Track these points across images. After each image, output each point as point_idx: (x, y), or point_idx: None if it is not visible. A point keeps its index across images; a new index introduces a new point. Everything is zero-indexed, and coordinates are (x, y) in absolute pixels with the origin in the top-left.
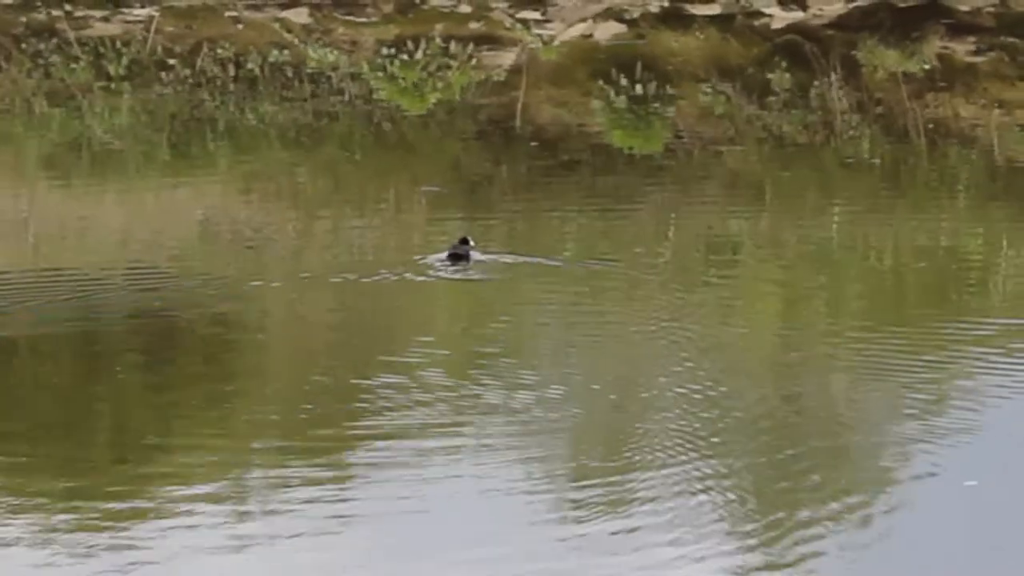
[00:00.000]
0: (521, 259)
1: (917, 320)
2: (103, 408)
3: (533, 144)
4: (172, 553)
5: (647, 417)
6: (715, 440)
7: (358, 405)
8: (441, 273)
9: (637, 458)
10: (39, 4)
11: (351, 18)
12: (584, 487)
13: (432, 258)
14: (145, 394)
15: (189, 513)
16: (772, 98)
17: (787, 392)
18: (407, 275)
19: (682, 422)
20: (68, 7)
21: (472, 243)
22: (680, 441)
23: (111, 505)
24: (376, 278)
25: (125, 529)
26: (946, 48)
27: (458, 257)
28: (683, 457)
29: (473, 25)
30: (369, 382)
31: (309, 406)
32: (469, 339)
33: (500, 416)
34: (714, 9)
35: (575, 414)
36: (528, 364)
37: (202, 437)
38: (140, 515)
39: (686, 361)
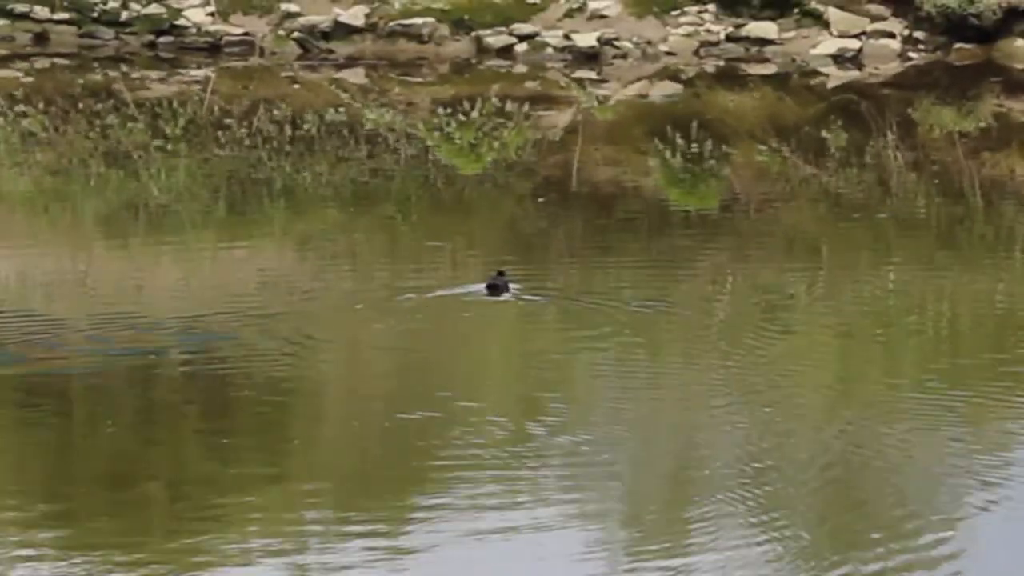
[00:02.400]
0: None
1: (973, 376)
2: (159, 458)
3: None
4: None
5: (700, 470)
6: (771, 488)
7: (414, 458)
8: (485, 308)
9: (691, 509)
10: (96, 65)
11: (407, 78)
12: (639, 535)
13: (471, 288)
14: (200, 445)
15: (245, 563)
16: (828, 157)
17: (843, 442)
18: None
19: (738, 469)
20: (125, 68)
21: (506, 276)
22: (736, 489)
23: (167, 553)
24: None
25: None
26: (1001, 106)
27: (496, 288)
28: (739, 505)
29: (529, 85)
30: (426, 433)
31: (366, 460)
32: (524, 383)
33: (555, 461)
34: (769, 68)
35: (631, 461)
36: (582, 409)
37: (260, 497)
38: (197, 567)
39: (741, 410)
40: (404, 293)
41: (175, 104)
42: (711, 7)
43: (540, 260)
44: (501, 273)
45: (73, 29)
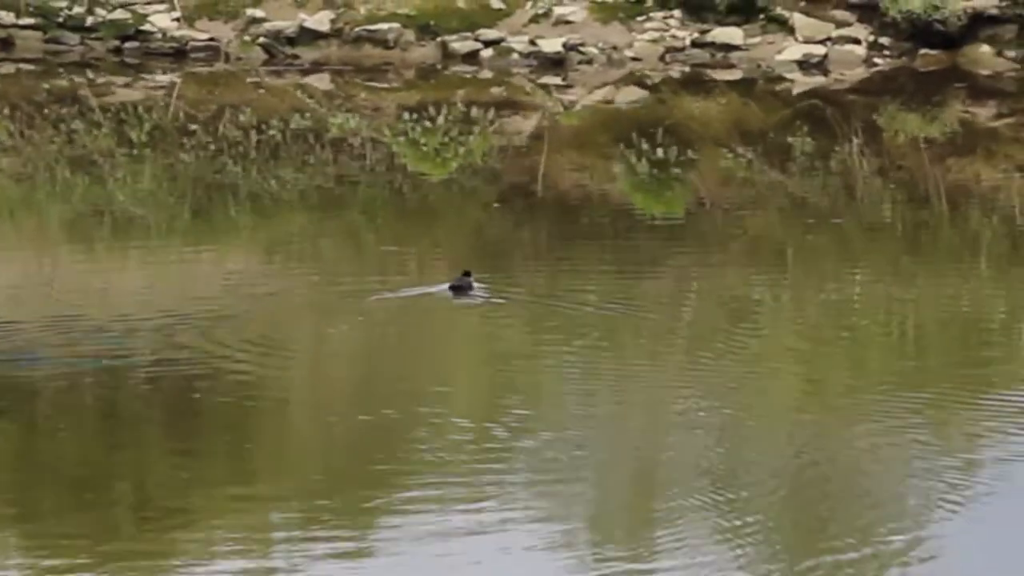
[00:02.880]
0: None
1: (938, 379)
2: (126, 470)
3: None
4: None
5: (667, 471)
6: (737, 490)
7: (380, 459)
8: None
9: (658, 510)
10: (61, 71)
11: (373, 84)
12: (605, 536)
13: (434, 289)
14: (167, 454)
15: (210, 563)
16: (793, 162)
17: (810, 444)
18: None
19: (704, 471)
20: (90, 74)
21: (472, 276)
22: (702, 491)
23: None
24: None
25: None
26: (967, 112)
27: (460, 289)
28: (706, 507)
29: (494, 90)
30: (391, 434)
31: (331, 462)
32: (489, 385)
33: (520, 462)
34: (735, 74)
35: (596, 463)
36: (547, 410)
37: (224, 500)
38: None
39: (707, 412)
40: (369, 295)
41: (140, 110)
42: (676, 13)
43: (506, 265)
44: (467, 274)
45: (38, 34)
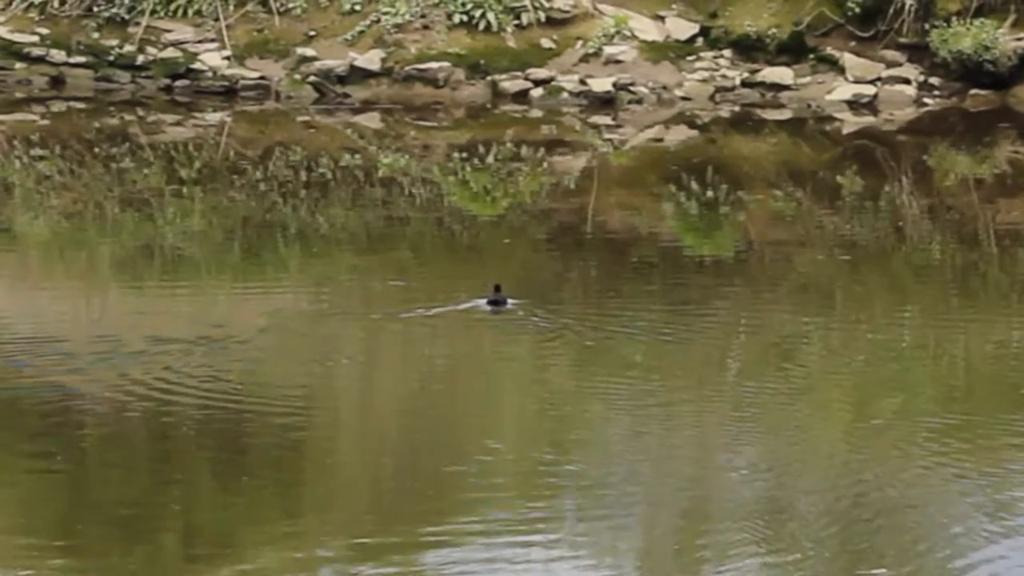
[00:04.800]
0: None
1: (984, 419)
2: (173, 505)
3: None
4: None
5: (715, 506)
6: (783, 524)
7: (427, 493)
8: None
9: (706, 545)
10: (112, 109)
11: (422, 123)
12: (652, 568)
13: (473, 304)
14: (214, 489)
15: None
16: (843, 202)
17: (854, 481)
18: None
19: (751, 505)
20: (141, 112)
21: (501, 290)
22: (749, 524)
23: None
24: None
25: None
26: (1017, 152)
27: (497, 303)
28: (752, 540)
29: (544, 129)
30: (438, 467)
31: (377, 496)
32: (537, 418)
33: (568, 495)
34: (785, 114)
35: (644, 496)
36: (596, 443)
37: (272, 535)
38: None
39: (755, 447)
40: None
41: (191, 148)
42: (727, 53)
43: (555, 300)
44: (498, 288)
45: (89, 73)
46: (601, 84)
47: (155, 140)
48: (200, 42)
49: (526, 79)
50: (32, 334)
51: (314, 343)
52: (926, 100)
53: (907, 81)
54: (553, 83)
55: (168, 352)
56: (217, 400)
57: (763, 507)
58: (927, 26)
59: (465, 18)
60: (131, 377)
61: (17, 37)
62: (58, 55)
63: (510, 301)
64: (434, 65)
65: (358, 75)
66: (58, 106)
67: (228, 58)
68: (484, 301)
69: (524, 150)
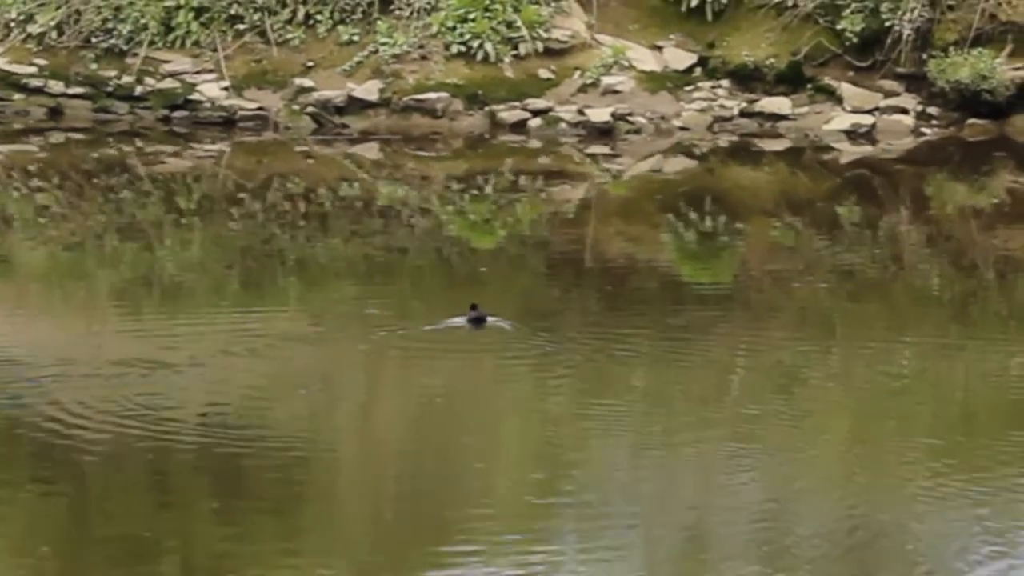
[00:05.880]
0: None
1: (985, 447)
2: (174, 532)
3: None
4: None
5: (716, 534)
6: (786, 551)
7: (427, 516)
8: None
9: (708, 568)
10: (110, 139)
11: (421, 153)
12: None
13: (453, 322)
14: (214, 514)
15: None
16: (841, 232)
17: (856, 510)
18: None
19: (753, 531)
20: (139, 142)
21: (479, 308)
22: (751, 550)
23: None
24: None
25: None
26: (1015, 182)
27: (479, 321)
28: (754, 566)
29: (542, 160)
30: (438, 490)
31: (378, 520)
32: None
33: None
34: (783, 144)
35: (645, 524)
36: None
37: (272, 555)
38: None
39: (755, 474)
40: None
41: (189, 179)
42: (725, 83)
43: (554, 327)
44: (474, 307)
45: (88, 103)
46: (599, 114)
47: (153, 171)
48: (198, 73)
49: (524, 109)
50: (30, 361)
51: (309, 368)
52: (924, 130)
53: (905, 111)
54: (551, 113)
55: (164, 378)
56: (214, 427)
57: (763, 531)
58: (925, 56)
59: (463, 48)
60: (128, 404)
61: (15, 68)
62: (56, 86)
63: (489, 318)
64: (432, 96)
65: (356, 106)
66: (56, 137)
67: (226, 89)
68: (464, 319)
69: (522, 180)
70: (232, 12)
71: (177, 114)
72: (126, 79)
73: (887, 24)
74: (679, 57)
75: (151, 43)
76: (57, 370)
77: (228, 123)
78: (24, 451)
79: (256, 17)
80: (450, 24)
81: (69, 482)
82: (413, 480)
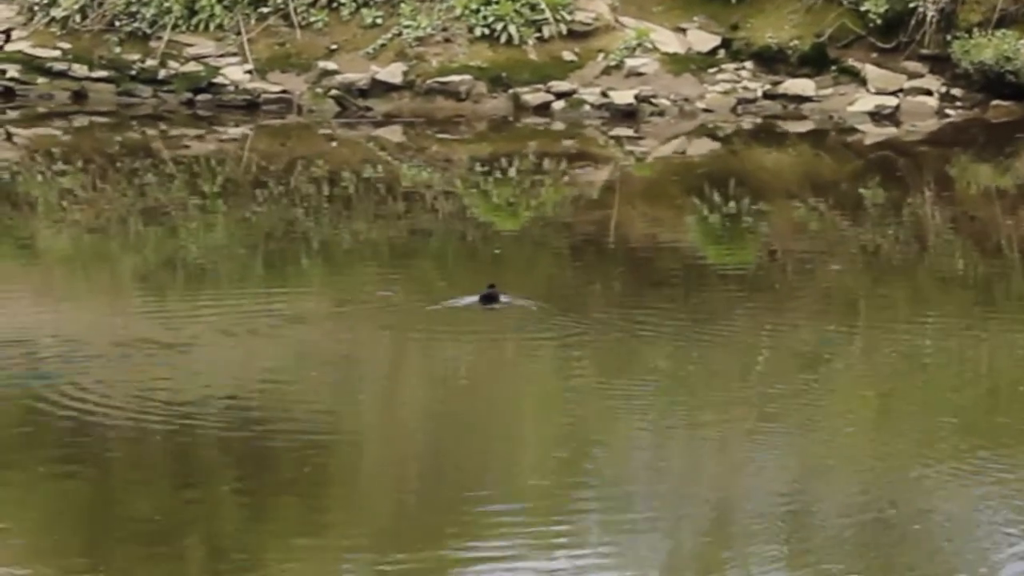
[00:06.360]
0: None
1: (1012, 432)
2: (197, 521)
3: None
4: None
5: (740, 518)
6: (808, 538)
7: (450, 507)
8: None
9: (731, 558)
10: (134, 123)
11: (445, 136)
12: None
13: (464, 302)
14: (238, 504)
15: None
16: (865, 214)
17: (880, 492)
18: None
19: (775, 518)
20: (163, 126)
21: (496, 287)
22: (773, 538)
23: None
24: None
25: None
26: None
27: (491, 299)
28: (776, 555)
29: (566, 142)
30: (461, 479)
31: (401, 512)
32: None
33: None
34: (807, 126)
35: (668, 512)
36: (620, 454)
37: (296, 550)
38: None
39: (778, 459)
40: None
41: (213, 162)
42: (748, 64)
43: (577, 310)
44: (492, 286)
45: (111, 87)
46: (623, 96)
47: (177, 154)
48: (222, 56)
49: (548, 92)
50: (53, 342)
51: (331, 349)
52: (948, 111)
53: (929, 92)
54: (575, 96)
55: (189, 362)
56: (238, 408)
57: (787, 510)
58: (949, 37)
59: (487, 31)
60: (153, 386)
61: (39, 52)
62: (80, 70)
63: (503, 298)
64: (456, 78)
65: (380, 88)
66: (80, 120)
67: (250, 72)
68: (477, 298)
69: (546, 163)
70: None
71: (201, 97)
72: (150, 62)
73: (911, 5)
74: (703, 39)
75: (175, 26)
76: (79, 352)
77: (252, 106)
78: (46, 432)
79: (280, 0)
80: (473, 6)
81: (89, 464)
82: (436, 458)
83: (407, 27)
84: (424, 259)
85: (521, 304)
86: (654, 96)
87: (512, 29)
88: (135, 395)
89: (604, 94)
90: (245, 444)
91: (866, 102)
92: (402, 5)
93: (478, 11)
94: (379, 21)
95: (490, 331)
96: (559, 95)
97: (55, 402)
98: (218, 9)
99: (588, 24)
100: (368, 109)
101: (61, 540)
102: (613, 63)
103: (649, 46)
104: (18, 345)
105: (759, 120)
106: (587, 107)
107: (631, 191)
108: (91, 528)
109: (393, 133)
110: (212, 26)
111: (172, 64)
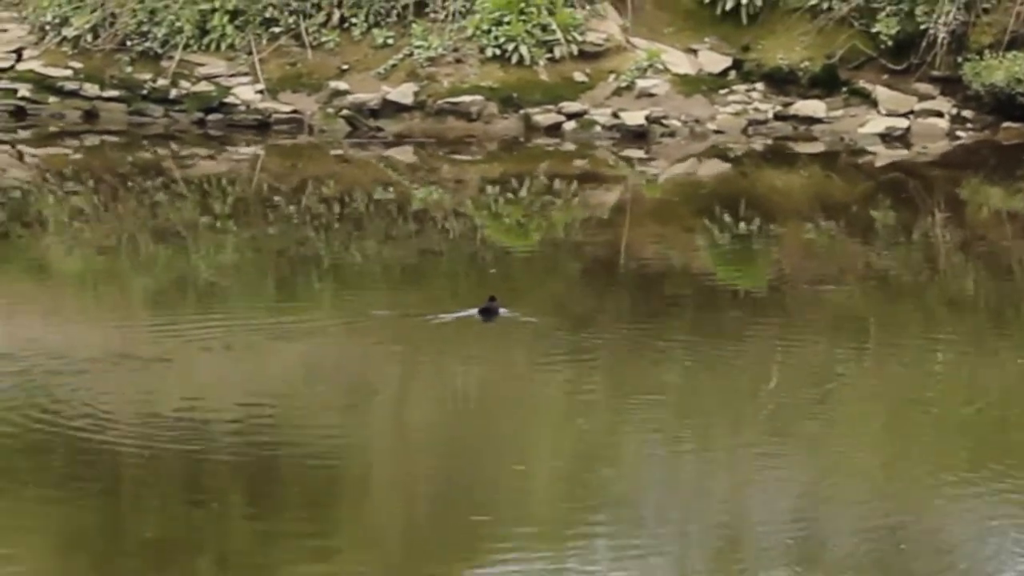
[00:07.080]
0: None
1: (1018, 451)
2: (206, 539)
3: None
4: None
5: (750, 537)
6: (819, 561)
7: (459, 526)
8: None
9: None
10: (145, 142)
11: (456, 156)
12: None
13: (462, 314)
14: (247, 527)
15: None
16: (876, 235)
17: (889, 513)
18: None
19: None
20: (174, 145)
21: (497, 300)
22: (784, 557)
23: None
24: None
25: None
26: None
27: (489, 312)
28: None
29: (577, 163)
30: (471, 498)
31: (411, 533)
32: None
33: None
34: (817, 147)
35: (679, 532)
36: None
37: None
38: None
39: (789, 479)
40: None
41: (224, 182)
42: (759, 86)
43: (588, 330)
44: (493, 299)
45: (123, 106)
46: (634, 117)
47: (188, 174)
48: (233, 76)
49: (559, 112)
50: (64, 359)
51: (340, 366)
52: (959, 133)
53: (940, 114)
54: (586, 116)
55: (197, 375)
56: (247, 423)
57: (797, 529)
58: (960, 59)
59: (498, 51)
60: (162, 405)
61: (50, 71)
62: (91, 89)
63: (502, 311)
64: (467, 99)
65: (391, 109)
66: (91, 140)
67: (261, 92)
68: (476, 311)
69: (557, 183)
70: (267, 15)
71: (212, 117)
72: (161, 82)
73: (922, 27)
74: (714, 60)
75: (186, 46)
76: (89, 368)
77: (263, 126)
78: (56, 448)
79: (291, 20)
80: (485, 27)
81: (99, 479)
82: (447, 476)
83: (418, 47)
84: (435, 278)
85: (522, 319)
86: (665, 117)
87: (523, 50)
88: (141, 412)
89: (615, 115)
90: (256, 459)
91: (877, 124)
92: (413, 26)
93: (489, 32)
94: (390, 41)
95: (500, 349)
96: (570, 116)
97: (66, 416)
98: (230, 29)
99: (599, 45)
100: (379, 129)
101: (71, 554)
102: (624, 84)
103: (660, 67)
104: (23, 360)
105: (770, 141)
106: (598, 128)
107: (642, 212)
108: (101, 544)
109: (404, 153)
110: (223, 46)
111: (183, 84)
